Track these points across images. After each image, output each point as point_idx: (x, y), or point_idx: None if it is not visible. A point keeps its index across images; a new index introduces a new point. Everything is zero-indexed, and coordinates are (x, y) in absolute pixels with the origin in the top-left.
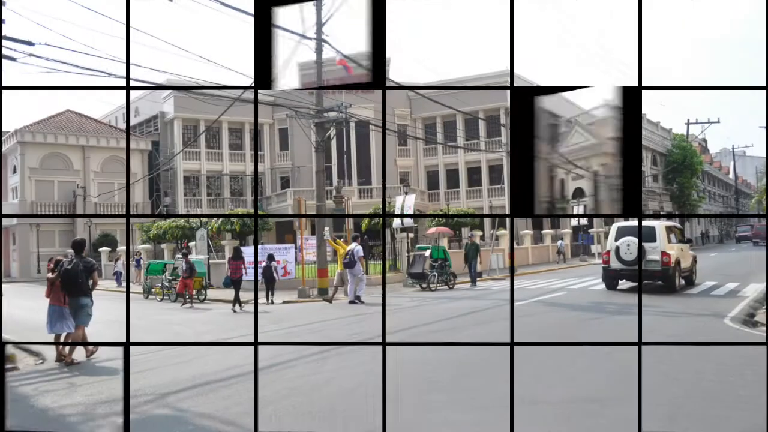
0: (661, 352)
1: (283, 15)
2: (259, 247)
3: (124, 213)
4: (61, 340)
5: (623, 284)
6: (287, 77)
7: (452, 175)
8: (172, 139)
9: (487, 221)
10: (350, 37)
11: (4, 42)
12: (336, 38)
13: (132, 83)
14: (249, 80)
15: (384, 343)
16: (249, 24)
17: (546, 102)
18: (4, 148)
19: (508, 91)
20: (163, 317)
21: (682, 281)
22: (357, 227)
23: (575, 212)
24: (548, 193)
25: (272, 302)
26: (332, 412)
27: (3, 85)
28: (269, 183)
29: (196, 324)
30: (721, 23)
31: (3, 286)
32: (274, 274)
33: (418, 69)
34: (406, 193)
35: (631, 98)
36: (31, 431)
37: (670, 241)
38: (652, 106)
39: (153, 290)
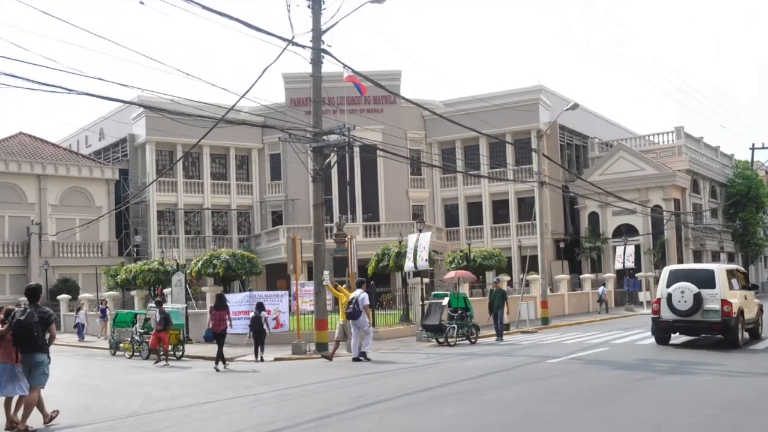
0: (719, 420)
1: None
2: (247, 294)
3: (88, 254)
4: (13, 403)
5: (676, 338)
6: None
7: (475, 209)
8: (144, 167)
9: (515, 263)
10: (360, 46)
11: None
12: (341, 47)
13: (95, 100)
14: (234, 97)
15: None
16: (235, 31)
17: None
18: None
19: (540, 110)
20: (134, 377)
21: (746, 335)
22: (362, 271)
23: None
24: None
25: (262, 359)
26: None
27: None
28: (258, 218)
29: (172, 385)
30: None
31: None
32: (265, 327)
33: (436, 84)
34: (420, 231)
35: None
36: None
37: (731, 287)
38: (710, 127)
39: (121, 345)
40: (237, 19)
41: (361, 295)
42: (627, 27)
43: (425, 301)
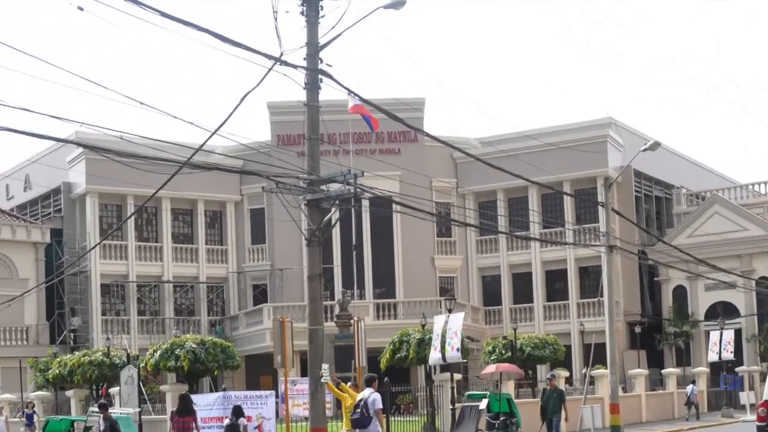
0: None
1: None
2: (221, 395)
3: (9, 341)
4: None
5: None
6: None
7: (522, 283)
8: (83, 226)
9: (576, 355)
10: (370, 66)
11: None
12: (346, 67)
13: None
14: (204, 133)
15: None
16: (207, 47)
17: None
18: None
19: (609, 151)
20: None
21: None
22: (373, 364)
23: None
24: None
25: None
26: None
27: None
28: (235, 294)
29: None
30: None
31: None
32: None
33: (471, 115)
34: (450, 311)
35: None
36: None
37: None
38: None
39: None
40: (207, 30)
41: (371, 396)
42: (719, 41)
43: (457, 404)
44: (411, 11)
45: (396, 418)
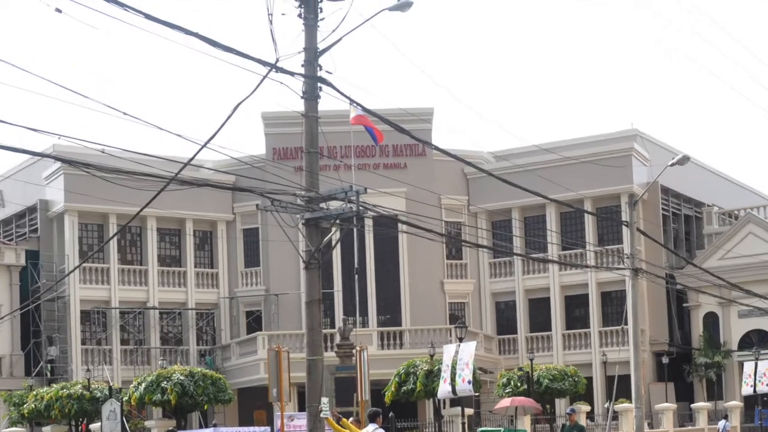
0: None
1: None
2: (213, 431)
3: None
4: None
5: None
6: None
7: (539, 309)
8: (62, 247)
9: (598, 388)
10: (373, 73)
11: None
12: (347, 74)
13: None
14: (193, 147)
15: None
16: (197, 53)
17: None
18: None
19: (634, 165)
20: None
21: None
22: (377, 398)
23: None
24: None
25: None
26: None
27: None
28: (227, 322)
29: None
30: None
31: None
32: None
33: (482, 127)
34: (461, 340)
35: None
36: None
37: None
38: None
39: None
40: (195, 34)
41: (375, 431)
42: (758, 45)
43: None
44: (418, 14)
45: None
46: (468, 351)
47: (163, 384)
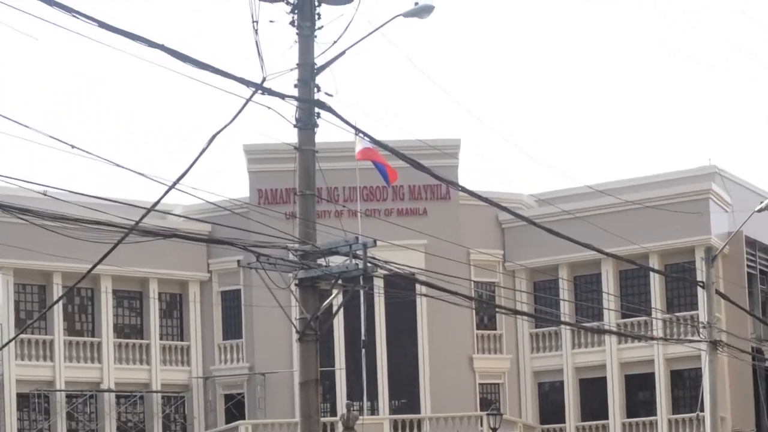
0: None
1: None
2: None
3: None
4: None
5: None
6: None
7: (594, 391)
8: None
9: None
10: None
11: None
12: (351, 100)
13: None
14: (161, 188)
15: None
16: (170, 73)
17: None
18: None
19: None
20: None
21: None
22: None
23: None
24: None
25: None
26: None
27: None
28: (201, 407)
29: None
30: None
31: None
32: None
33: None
34: (495, 430)
35: None
36: None
37: None
38: None
39: None
40: (161, 47)
41: None
42: None
43: None
44: (439, 23)
45: None
46: None
47: None
